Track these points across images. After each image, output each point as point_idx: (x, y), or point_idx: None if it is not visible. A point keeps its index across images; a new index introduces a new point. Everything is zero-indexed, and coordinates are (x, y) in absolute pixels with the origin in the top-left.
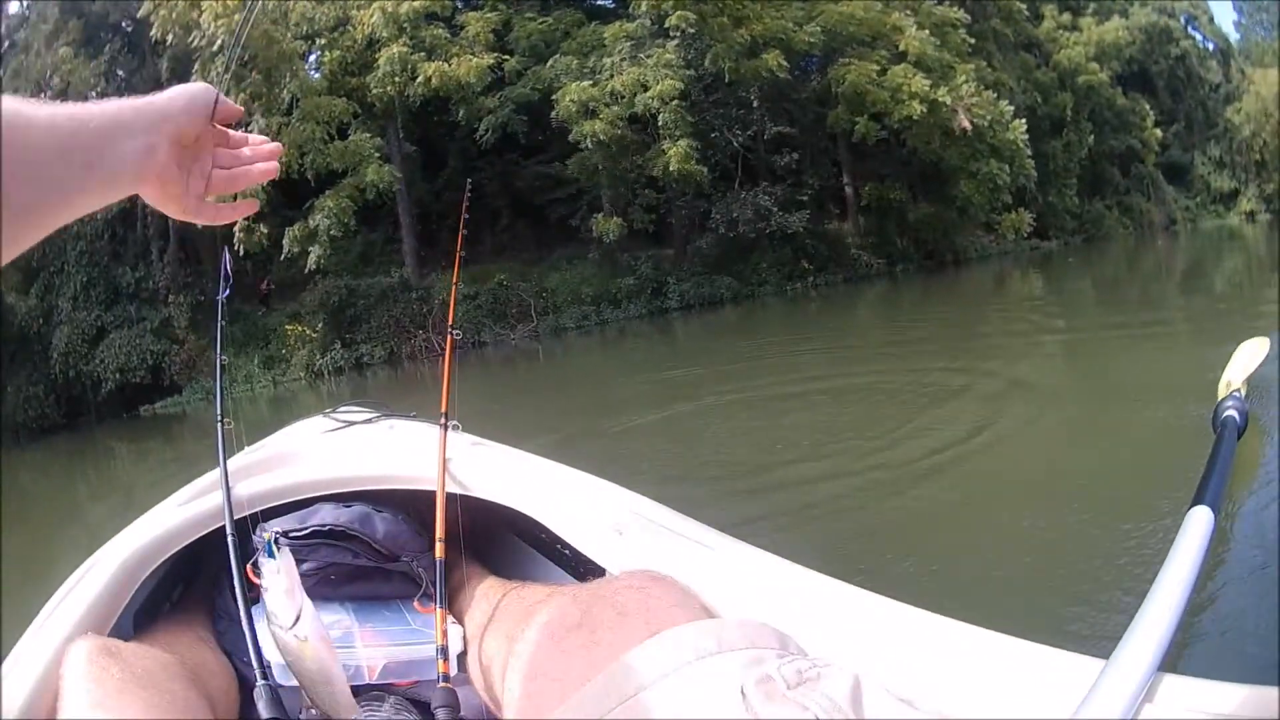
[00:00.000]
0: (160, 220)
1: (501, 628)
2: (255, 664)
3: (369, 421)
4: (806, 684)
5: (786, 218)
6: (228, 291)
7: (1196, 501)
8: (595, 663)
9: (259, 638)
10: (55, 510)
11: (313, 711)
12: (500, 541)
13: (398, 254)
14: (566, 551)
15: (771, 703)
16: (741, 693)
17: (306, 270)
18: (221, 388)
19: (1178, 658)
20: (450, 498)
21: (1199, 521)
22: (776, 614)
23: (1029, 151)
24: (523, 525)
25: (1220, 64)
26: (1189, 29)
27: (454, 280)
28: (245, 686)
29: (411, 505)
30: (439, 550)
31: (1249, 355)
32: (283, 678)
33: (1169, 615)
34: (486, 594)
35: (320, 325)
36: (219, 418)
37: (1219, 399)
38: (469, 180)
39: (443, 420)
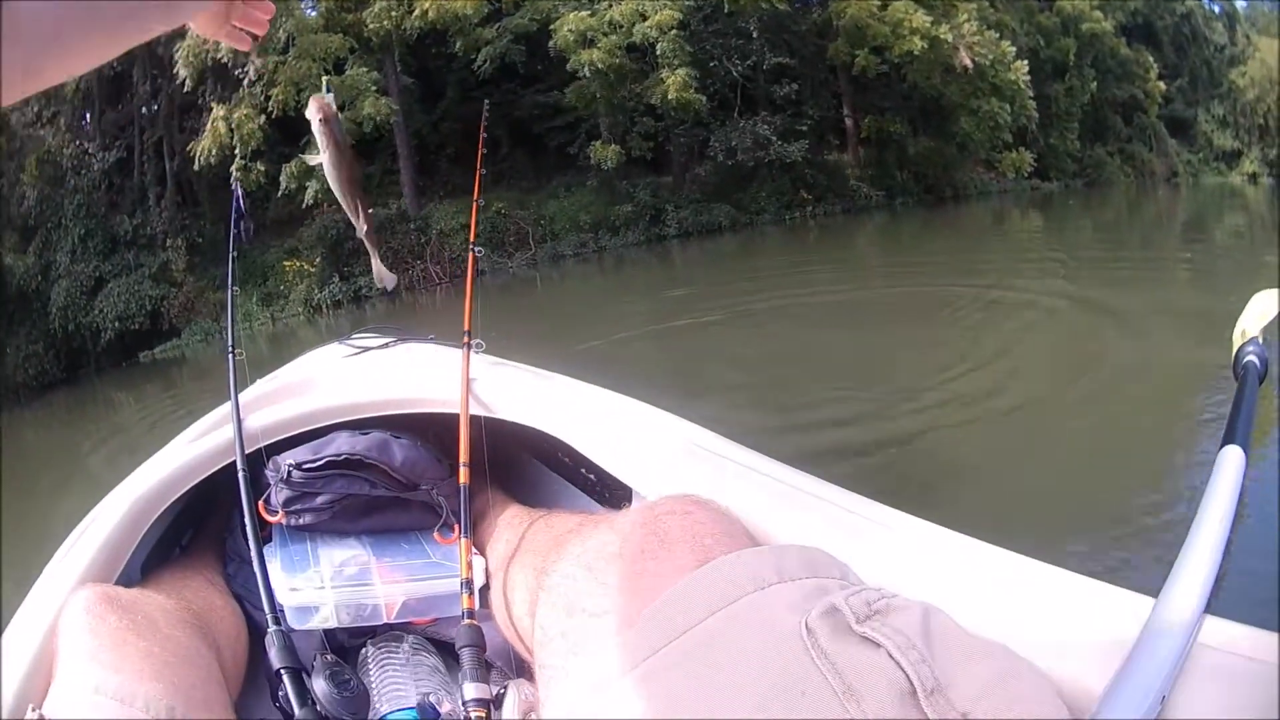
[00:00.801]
0: (157, 165)
1: (529, 559)
2: (267, 608)
3: (385, 346)
4: (876, 616)
5: (785, 147)
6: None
7: (1227, 441)
8: (639, 595)
9: (270, 580)
10: (59, 466)
11: (328, 657)
12: (521, 466)
13: (395, 185)
14: (593, 476)
15: (839, 636)
16: (806, 626)
17: (304, 205)
18: (233, 317)
19: (1219, 595)
20: (473, 420)
21: (1232, 460)
22: (827, 540)
23: (1030, 92)
24: (545, 449)
25: (1226, 27)
26: None
27: (475, 197)
28: (255, 631)
29: (430, 430)
30: (463, 475)
31: (1262, 307)
32: (295, 621)
33: (1211, 554)
34: (510, 523)
35: (318, 260)
36: (230, 348)
37: (1236, 347)
38: (486, 100)
39: (465, 339)
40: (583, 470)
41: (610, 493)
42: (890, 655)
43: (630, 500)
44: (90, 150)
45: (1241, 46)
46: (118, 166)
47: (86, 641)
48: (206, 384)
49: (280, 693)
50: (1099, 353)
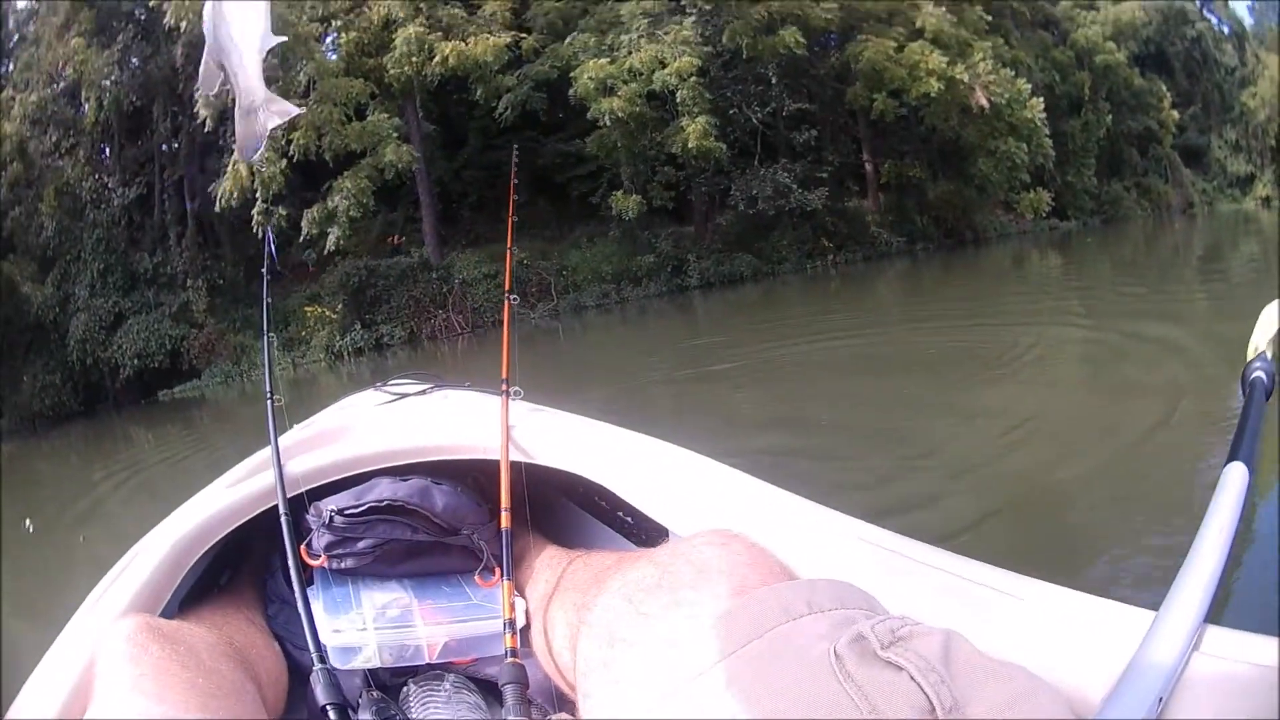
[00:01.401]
0: (178, 204)
1: (569, 597)
2: (312, 646)
3: (422, 393)
4: (899, 642)
5: (806, 195)
6: (274, 270)
7: (1232, 458)
8: (678, 624)
9: (315, 620)
10: (69, 496)
11: (374, 694)
12: (556, 508)
13: (417, 233)
14: (629, 519)
15: (865, 661)
16: (834, 653)
17: (325, 251)
18: (270, 364)
19: (1222, 608)
20: (513, 466)
21: (1235, 477)
22: (852, 572)
23: (1047, 130)
24: (581, 491)
25: (1235, 48)
26: (1204, 11)
27: (508, 245)
28: (296, 672)
29: (469, 475)
30: (504, 520)
31: (1272, 319)
32: (338, 661)
33: (1212, 567)
34: (549, 564)
35: (340, 306)
36: (269, 394)
37: (1247, 360)
38: (515, 146)
39: (504, 387)
40: (619, 513)
41: (646, 534)
42: (912, 677)
43: (667, 540)
44: (110, 185)
45: (1251, 66)
46: (138, 203)
47: (128, 670)
48: (226, 425)
49: None
50: (1118, 388)
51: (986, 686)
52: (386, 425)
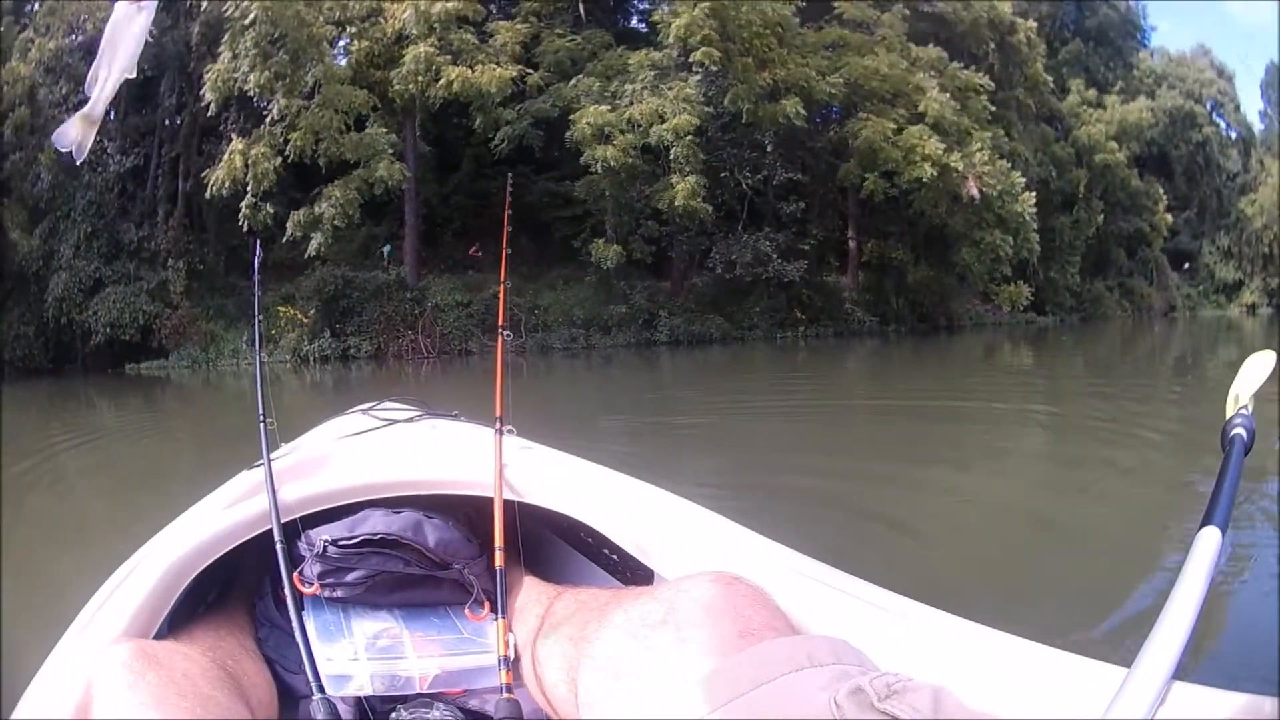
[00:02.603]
0: (171, 182)
1: (564, 631)
2: (310, 675)
3: (410, 421)
4: (894, 695)
5: (784, 266)
6: (259, 290)
7: (1206, 521)
8: (684, 661)
9: (312, 648)
10: (28, 450)
11: None
12: (543, 543)
13: (399, 251)
14: (615, 557)
15: (863, 711)
16: (835, 703)
17: (306, 256)
18: (263, 385)
19: (1191, 667)
20: (506, 505)
21: (1208, 541)
22: (840, 625)
23: (1035, 225)
24: (569, 528)
25: (1241, 153)
26: (1214, 115)
27: (501, 278)
28: (285, 696)
29: (460, 510)
30: (499, 560)
31: (1256, 369)
32: (331, 688)
33: (1183, 628)
34: (539, 599)
35: (313, 312)
36: (261, 417)
37: (1227, 416)
38: (510, 174)
39: (498, 425)
40: (605, 551)
41: (632, 573)
42: None
43: (651, 581)
44: (109, 150)
45: (1255, 173)
46: (133, 173)
47: (126, 699)
48: (188, 408)
49: None
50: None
51: None
52: (377, 454)
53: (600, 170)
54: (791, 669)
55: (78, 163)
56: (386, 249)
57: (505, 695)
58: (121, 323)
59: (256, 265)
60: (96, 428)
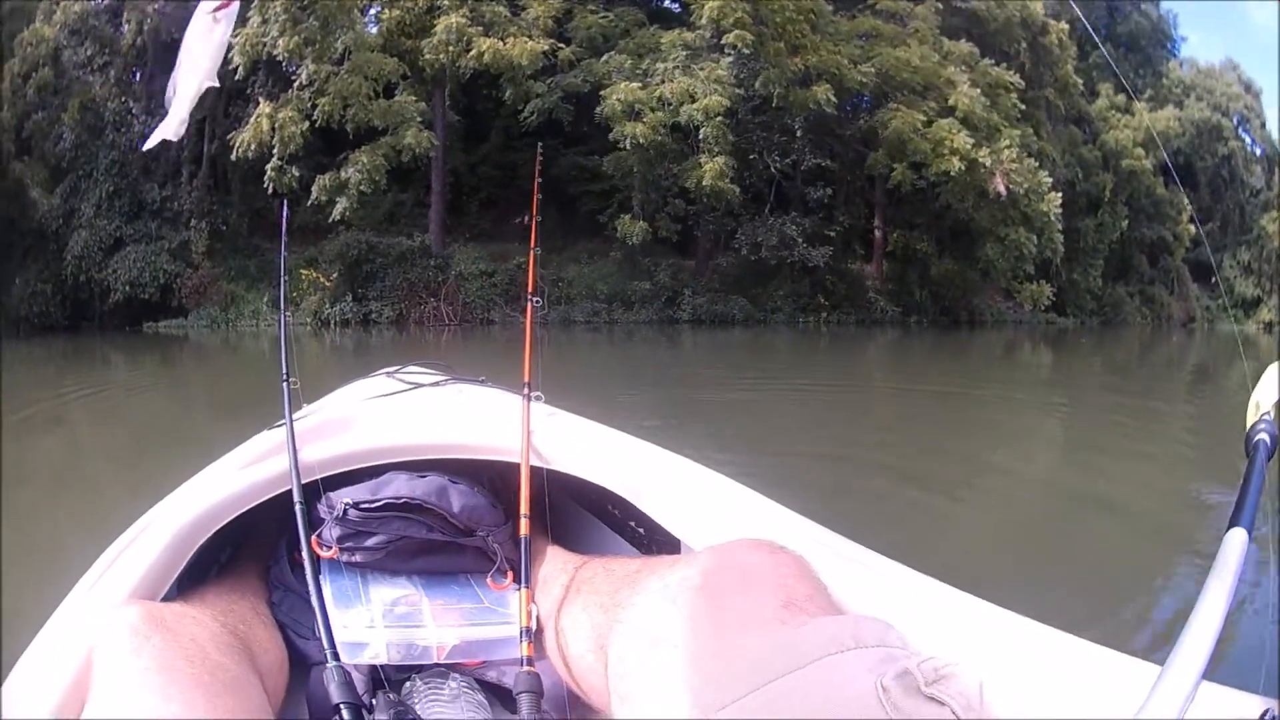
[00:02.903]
0: (196, 144)
1: (594, 599)
2: (325, 643)
3: (436, 385)
4: (941, 680)
5: (809, 250)
6: (285, 250)
7: (1233, 524)
8: (724, 631)
9: (328, 614)
10: (41, 405)
11: (390, 696)
12: (567, 512)
13: (423, 219)
14: (641, 529)
15: (910, 695)
16: (881, 686)
17: (330, 220)
18: (287, 344)
19: (1217, 666)
20: (533, 472)
21: (1235, 543)
22: (875, 601)
23: (1060, 225)
24: (594, 497)
25: (1265, 170)
26: (1240, 130)
27: (532, 244)
28: (297, 663)
29: (485, 475)
30: (524, 527)
31: (1277, 378)
32: (345, 656)
33: (1212, 628)
34: (564, 568)
35: (335, 275)
36: (284, 376)
37: (1249, 423)
38: (540, 144)
39: (525, 391)
40: (631, 523)
41: (659, 546)
42: (954, 713)
43: (679, 554)
44: (134, 110)
45: (1277, 190)
46: None
47: (131, 664)
48: (205, 367)
49: None
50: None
51: None
52: (402, 416)
53: (629, 147)
54: (838, 649)
55: (172, 137)
56: None
57: (525, 668)
58: (141, 281)
59: (284, 225)
60: (111, 383)
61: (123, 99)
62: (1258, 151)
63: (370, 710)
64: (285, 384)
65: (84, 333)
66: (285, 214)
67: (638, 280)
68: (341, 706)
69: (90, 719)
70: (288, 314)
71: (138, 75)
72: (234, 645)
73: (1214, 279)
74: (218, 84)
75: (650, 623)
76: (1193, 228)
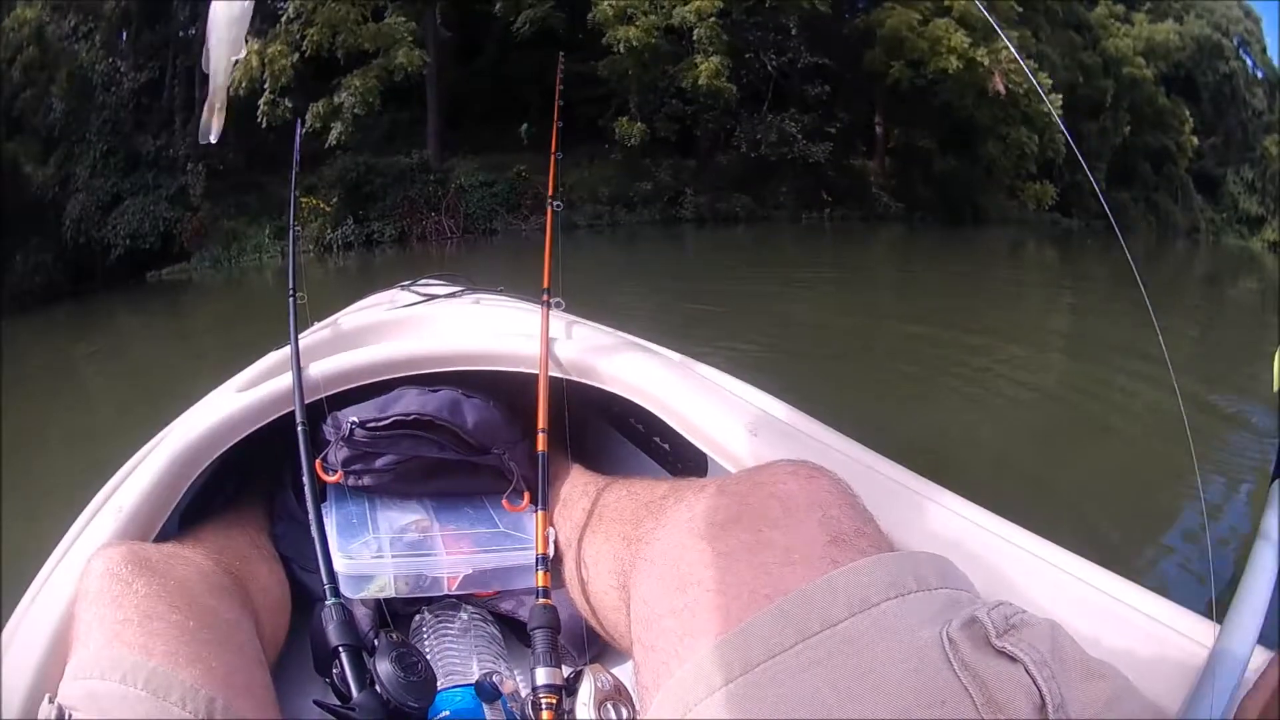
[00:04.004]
0: (187, 90)
1: (614, 528)
2: (325, 577)
3: (452, 296)
4: (1012, 630)
5: (809, 146)
6: (298, 166)
7: (1276, 476)
8: (765, 568)
9: (329, 545)
10: (53, 374)
11: (393, 636)
12: (587, 429)
13: (422, 137)
14: (666, 445)
15: (979, 648)
16: (947, 636)
17: (327, 146)
18: (294, 257)
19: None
20: (552, 383)
21: None
22: (928, 534)
23: (1061, 126)
24: (616, 412)
25: (1266, 94)
26: (1241, 51)
27: (553, 149)
28: (300, 597)
29: (500, 389)
30: (541, 443)
31: None
32: (348, 590)
33: (1266, 586)
34: (585, 490)
35: (335, 200)
36: (291, 291)
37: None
38: (561, 53)
39: (545, 297)
40: (656, 439)
41: (684, 463)
42: (1027, 670)
43: (705, 472)
44: (123, 69)
45: (1279, 114)
46: (148, 87)
47: (109, 614)
48: (213, 307)
49: (335, 671)
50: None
51: (1087, 684)
52: (414, 329)
53: (623, 50)
54: (897, 593)
55: (212, 140)
56: None
57: (541, 600)
58: (141, 232)
59: (298, 141)
60: (118, 334)
61: (110, 60)
62: (1259, 75)
63: (372, 652)
64: (291, 299)
65: (87, 295)
66: (300, 129)
67: (639, 181)
68: (340, 649)
69: (67, 684)
70: (297, 227)
71: (124, 35)
72: (227, 586)
73: (1219, 190)
74: (242, 55)
75: (677, 560)
76: (1195, 139)
